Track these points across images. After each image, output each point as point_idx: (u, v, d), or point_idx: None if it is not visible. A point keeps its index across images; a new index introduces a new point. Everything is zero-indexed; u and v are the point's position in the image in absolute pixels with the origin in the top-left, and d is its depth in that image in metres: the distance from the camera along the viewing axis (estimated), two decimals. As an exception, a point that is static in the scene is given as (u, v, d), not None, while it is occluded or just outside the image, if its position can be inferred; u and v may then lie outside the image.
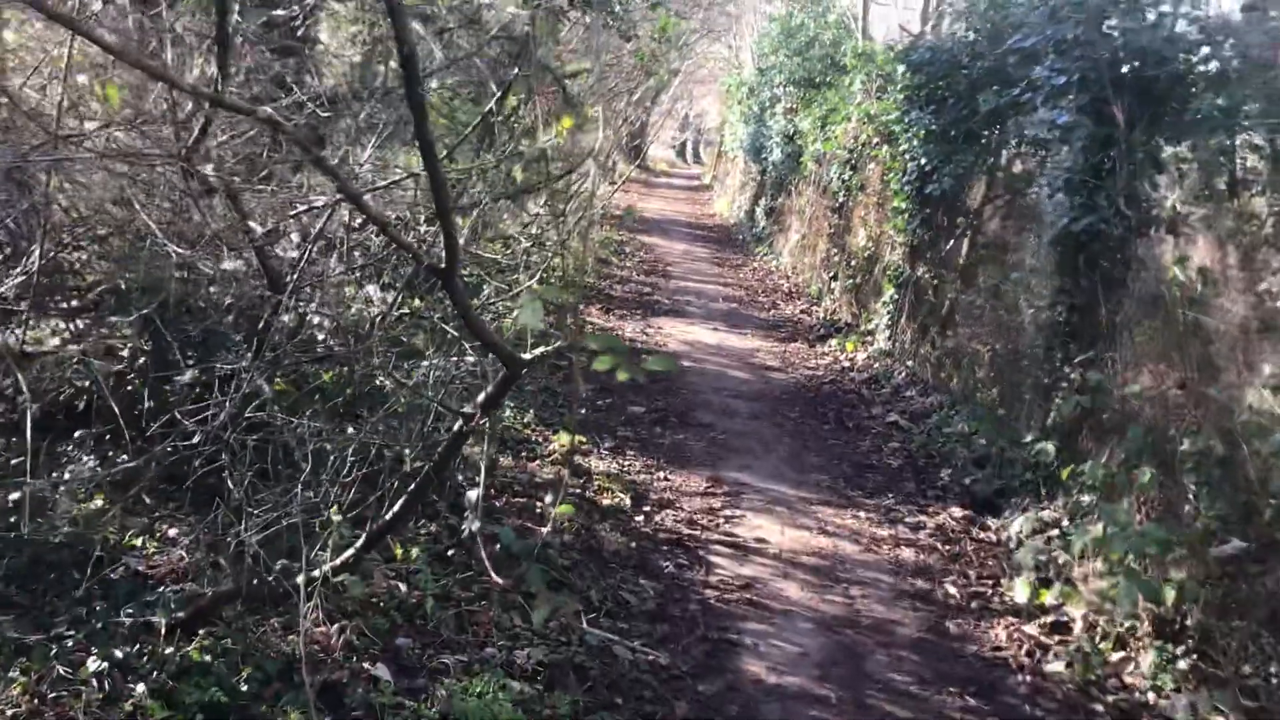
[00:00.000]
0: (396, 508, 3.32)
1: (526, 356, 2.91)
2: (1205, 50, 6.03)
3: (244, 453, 3.21)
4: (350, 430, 3.93)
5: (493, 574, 3.06)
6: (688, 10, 18.26)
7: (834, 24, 16.98)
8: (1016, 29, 8.00)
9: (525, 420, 7.09)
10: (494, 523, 5.33)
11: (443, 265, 2.65)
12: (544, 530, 4.93)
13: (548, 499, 5.55)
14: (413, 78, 2.09)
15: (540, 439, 6.89)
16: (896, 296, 10.06)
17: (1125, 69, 6.01)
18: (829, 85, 15.30)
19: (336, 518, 3.31)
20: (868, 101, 11.97)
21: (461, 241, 2.75)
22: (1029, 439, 6.34)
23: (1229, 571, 4.45)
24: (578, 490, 6.13)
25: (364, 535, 3.40)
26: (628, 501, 6.09)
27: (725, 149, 29.59)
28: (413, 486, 3.29)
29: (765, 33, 19.18)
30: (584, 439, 6.99)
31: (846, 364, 10.43)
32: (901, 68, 9.55)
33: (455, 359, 4.21)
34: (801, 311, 13.33)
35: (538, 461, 6.44)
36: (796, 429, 8.05)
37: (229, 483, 3.29)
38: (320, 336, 4.28)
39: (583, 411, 7.79)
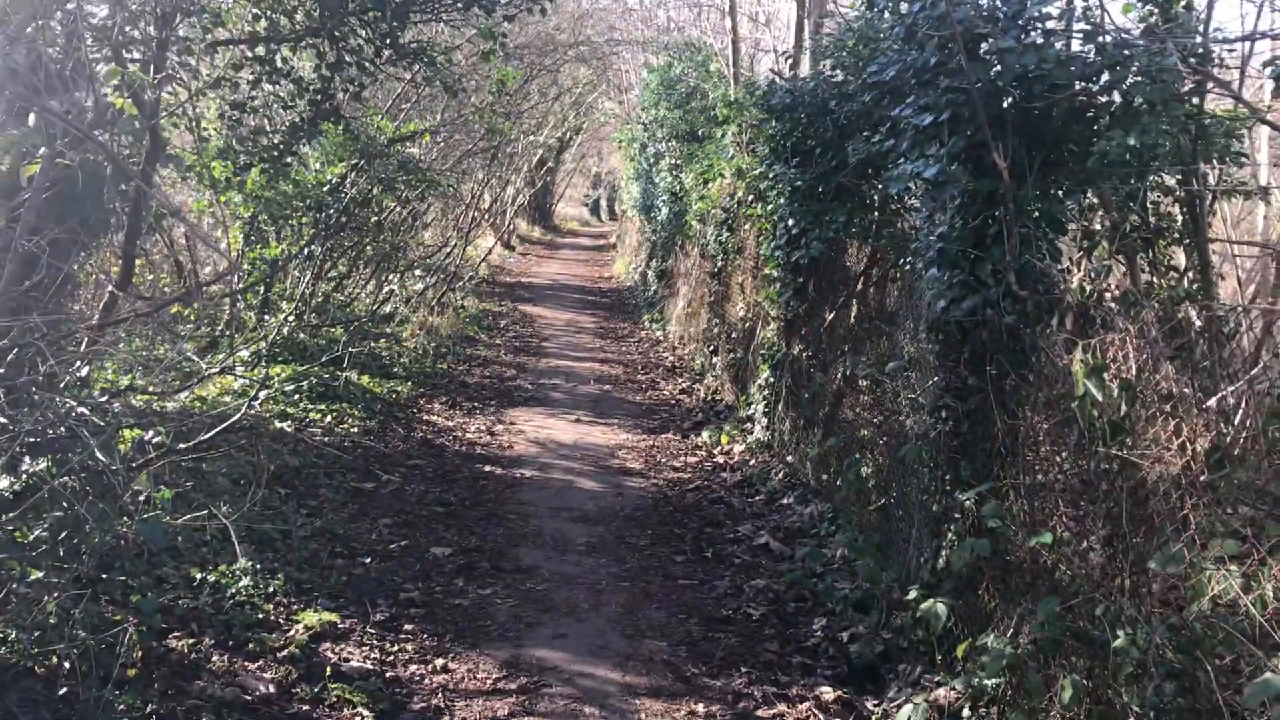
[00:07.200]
0: None
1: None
2: (1106, 77, 4.63)
3: None
4: None
5: None
6: (547, 60, 16.81)
7: (715, 73, 15.64)
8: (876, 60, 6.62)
9: (269, 587, 5.37)
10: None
11: None
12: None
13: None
14: None
15: (281, 616, 5.18)
16: (773, 379, 8.56)
17: (1007, 102, 4.58)
18: (710, 138, 13.94)
19: None
20: (739, 155, 10.57)
21: None
22: (913, 593, 4.79)
23: None
24: (304, 709, 4.42)
25: None
26: (371, 722, 4.38)
27: (624, 207, 28.17)
28: None
29: (645, 84, 17.81)
30: (339, 615, 5.27)
31: (720, 460, 8.87)
32: (764, 115, 8.16)
33: None
34: (682, 392, 11.79)
35: (263, 660, 4.72)
36: (642, 565, 6.41)
37: None
38: None
39: (367, 561, 6.09)
